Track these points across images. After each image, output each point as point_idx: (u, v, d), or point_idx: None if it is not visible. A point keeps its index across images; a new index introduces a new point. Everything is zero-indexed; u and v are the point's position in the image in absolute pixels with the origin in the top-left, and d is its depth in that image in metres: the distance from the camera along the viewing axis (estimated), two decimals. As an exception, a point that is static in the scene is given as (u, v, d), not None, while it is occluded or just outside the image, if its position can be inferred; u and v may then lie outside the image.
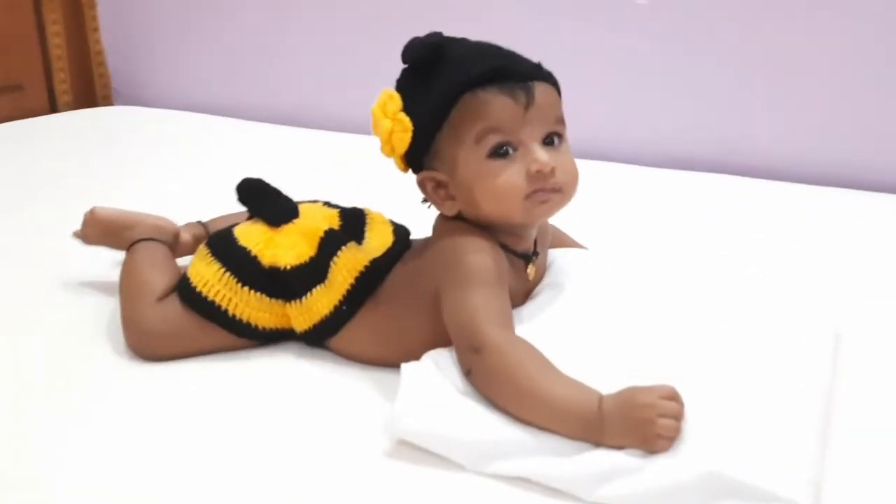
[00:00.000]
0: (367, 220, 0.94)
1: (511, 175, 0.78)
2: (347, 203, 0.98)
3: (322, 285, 0.87)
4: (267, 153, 1.66)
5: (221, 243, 0.92)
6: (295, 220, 0.91)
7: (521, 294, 0.86)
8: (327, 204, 0.98)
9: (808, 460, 0.66)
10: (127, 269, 0.97)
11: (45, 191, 1.45)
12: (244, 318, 0.88)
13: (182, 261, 1.00)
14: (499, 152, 0.79)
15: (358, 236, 0.91)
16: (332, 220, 0.92)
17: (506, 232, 0.83)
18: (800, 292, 0.98)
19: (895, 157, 1.44)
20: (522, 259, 0.85)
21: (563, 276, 0.89)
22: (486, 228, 0.82)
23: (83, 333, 0.95)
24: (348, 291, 0.86)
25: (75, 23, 2.09)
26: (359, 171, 1.36)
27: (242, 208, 0.96)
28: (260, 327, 0.89)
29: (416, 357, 0.79)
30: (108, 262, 1.07)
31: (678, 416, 0.67)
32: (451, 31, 0.83)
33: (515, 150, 0.79)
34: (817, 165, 1.48)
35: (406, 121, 0.80)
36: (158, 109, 2.02)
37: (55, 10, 2.04)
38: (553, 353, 0.73)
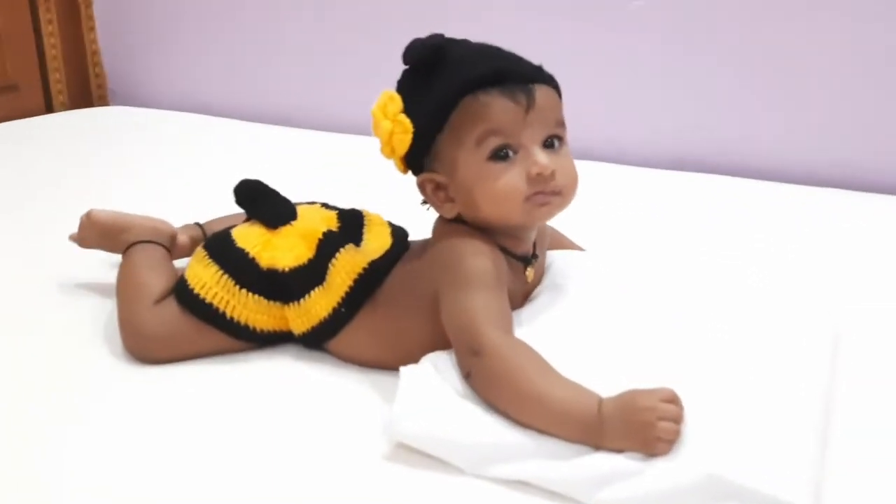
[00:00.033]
0: (366, 222, 0.93)
1: (511, 178, 0.78)
2: (346, 204, 0.98)
3: (320, 287, 0.86)
4: (264, 154, 1.66)
5: (219, 245, 0.91)
6: (293, 222, 0.91)
7: (520, 296, 0.86)
8: (325, 206, 0.97)
9: (808, 463, 0.66)
10: (124, 272, 0.96)
11: (41, 191, 1.45)
12: (242, 321, 0.88)
13: (179, 263, 0.99)
14: (499, 155, 0.78)
15: (356, 238, 0.90)
16: (331, 222, 0.92)
17: (505, 234, 0.83)
18: (799, 293, 0.98)
19: (895, 158, 1.44)
20: (521, 262, 0.85)
21: (561, 278, 0.89)
22: (485, 231, 0.82)
23: (80, 335, 0.95)
24: (347, 294, 0.86)
25: (71, 23, 2.09)
26: (357, 172, 1.36)
27: (240, 210, 0.96)
28: (258, 330, 0.89)
29: (415, 359, 0.79)
30: (105, 263, 1.07)
31: (678, 419, 0.66)
32: (450, 30, 0.83)
33: (516, 152, 0.79)
34: (817, 166, 1.48)
35: (406, 122, 0.80)
36: (154, 110, 2.02)
37: (51, 9, 2.04)
38: (552, 356, 0.73)
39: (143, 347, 0.89)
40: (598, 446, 0.67)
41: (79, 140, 1.80)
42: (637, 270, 0.94)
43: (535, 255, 0.87)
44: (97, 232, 1.01)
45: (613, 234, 1.19)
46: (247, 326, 0.88)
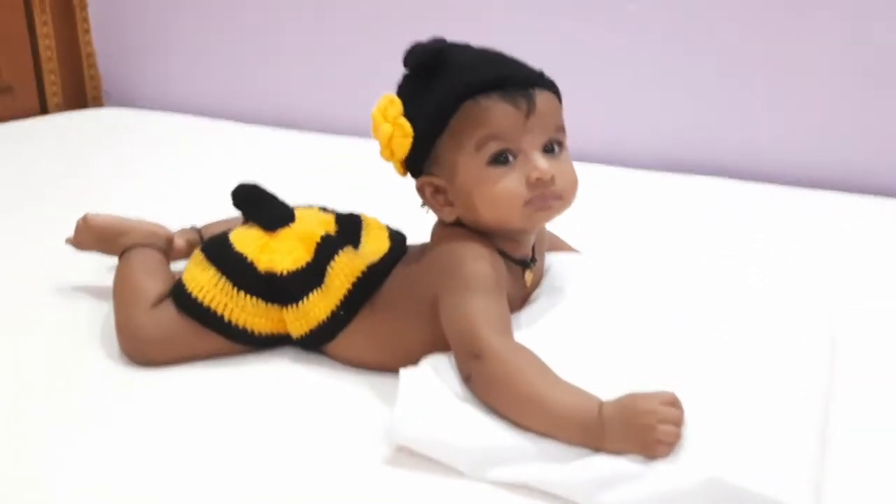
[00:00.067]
0: (364, 226, 0.93)
1: (510, 182, 0.78)
2: (345, 207, 0.98)
3: (319, 290, 0.86)
4: (261, 156, 1.65)
5: (217, 248, 0.91)
6: (291, 225, 0.91)
7: (519, 300, 0.86)
8: (323, 209, 0.97)
9: (808, 465, 0.66)
10: (120, 276, 0.96)
11: (36, 193, 1.45)
12: (240, 324, 0.88)
13: (177, 266, 0.99)
14: (499, 159, 0.78)
15: (354, 242, 0.90)
16: (329, 226, 0.92)
17: (504, 238, 0.82)
18: (798, 295, 0.98)
19: (895, 160, 1.44)
20: (520, 265, 0.85)
21: (560, 281, 0.89)
22: (484, 235, 0.82)
23: (77, 337, 0.94)
24: (345, 297, 0.86)
25: (66, 24, 2.08)
26: (356, 175, 1.36)
27: (237, 213, 0.96)
28: (256, 332, 0.88)
29: (414, 362, 0.78)
30: (101, 265, 1.06)
31: (678, 422, 0.66)
32: (450, 31, 0.82)
33: (515, 157, 0.79)
34: (817, 167, 1.48)
35: (406, 126, 0.80)
36: (149, 111, 2.01)
37: (46, 11, 2.03)
38: (552, 359, 0.73)
39: (141, 351, 0.89)
40: (598, 449, 0.67)
41: (74, 142, 1.79)
42: (636, 273, 0.94)
43: (533, 259, 0.87)
44: (94, 236, 1.01)
45: (612, 236, 1.19)
46: (244, 329, 0.88)
